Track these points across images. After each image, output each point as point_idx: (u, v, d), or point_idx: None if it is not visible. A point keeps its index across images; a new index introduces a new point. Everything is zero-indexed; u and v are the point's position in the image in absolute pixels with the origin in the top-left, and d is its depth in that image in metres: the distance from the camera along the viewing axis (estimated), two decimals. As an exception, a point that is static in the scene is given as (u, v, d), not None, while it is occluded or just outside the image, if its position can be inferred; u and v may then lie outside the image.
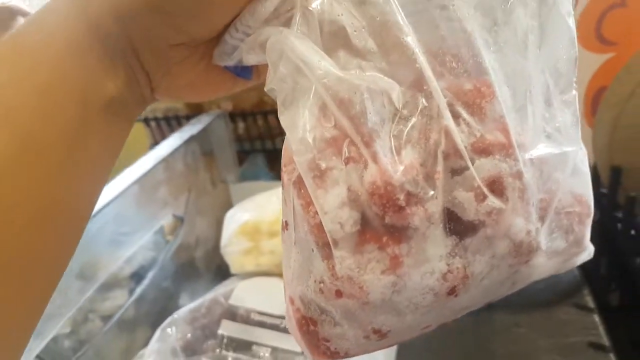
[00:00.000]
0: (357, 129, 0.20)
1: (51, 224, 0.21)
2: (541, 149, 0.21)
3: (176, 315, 0.55)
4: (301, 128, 0.21)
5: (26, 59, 0.21)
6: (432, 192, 0.20)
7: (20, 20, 0.82)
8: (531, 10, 0.21)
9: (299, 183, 0.22)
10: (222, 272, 0.68)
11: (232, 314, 0.55)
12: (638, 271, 0.56)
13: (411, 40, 0.21)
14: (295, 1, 0.22)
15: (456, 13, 0.21)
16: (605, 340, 0.50)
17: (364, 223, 0.21)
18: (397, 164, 0.20)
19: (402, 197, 0.20)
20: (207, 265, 0.73)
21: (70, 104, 0.21)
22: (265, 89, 0.22)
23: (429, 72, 0.21)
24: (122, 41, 0.22)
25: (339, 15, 0.21)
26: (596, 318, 0.55)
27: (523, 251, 0.21)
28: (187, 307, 0.57)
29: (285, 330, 0.52)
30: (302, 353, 0.44)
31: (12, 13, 0.82)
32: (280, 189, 0.73)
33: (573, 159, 0.22)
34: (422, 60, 0.21)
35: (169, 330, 0.54)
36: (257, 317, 0.55)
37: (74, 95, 0.21)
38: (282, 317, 0.52)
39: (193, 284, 0.70)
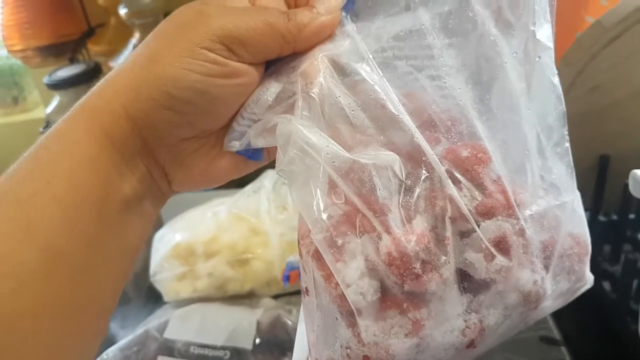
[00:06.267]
0: (368, 205, 0.22)
1: (75, 327, 0.22)
2: (541, 204, 0.23)
3: (105, 355, 0.50)
4: (315, 208, 0.22)
5: (45, 172, 0.22)
6: (444, 258, 0.22)
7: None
8: (519, 74, 0.23)
9: (317, 255, 0.23)
10: (154, 295, 0.61)
11: (169, 349, 0.50)
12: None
13: (405, 116, 0.22)
14: (296, 89, 0.23)
15: (448, 89, 0.22)
16: (556, 334, 0.49)
17: (384, 290, 0.22)
18: (409, 233, 0.22)
19: (417, 265, 0.21)
20: (136, 290, 0.67)
21: (85, 212, 0.22)
22: (276, 171, 0.24)
23: (426, 146, 0.22)
24: (137, 143, 0.24)
25: (337, 97, 0.23)
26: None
27: (532, 299, 0.23)
28: (116, 346, 0.51)
29: (228, 362, 0.48)
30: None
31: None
32: (215, 203, 0.68)
33: (570, 205, 0.24)
34: (419, 135, 0.22)
35: (98, 374, 0.48)
36: (197, 351, 0.50)
37: (88, 203, 0.22)
38: (225, 348, 0.50)
39: (122, 312, 0.62)
